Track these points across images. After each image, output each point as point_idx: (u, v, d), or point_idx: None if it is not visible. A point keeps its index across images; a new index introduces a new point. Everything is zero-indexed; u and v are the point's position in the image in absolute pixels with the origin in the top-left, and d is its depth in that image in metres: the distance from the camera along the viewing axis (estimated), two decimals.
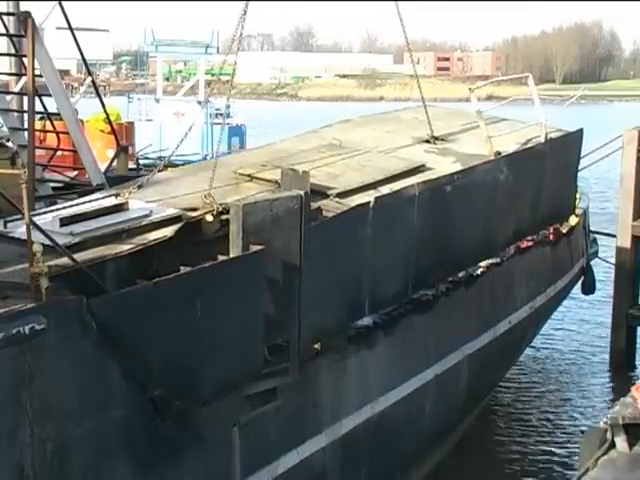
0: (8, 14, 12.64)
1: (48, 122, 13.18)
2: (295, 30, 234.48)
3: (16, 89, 15.75)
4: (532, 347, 17.71)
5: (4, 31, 12.66)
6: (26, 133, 11.87)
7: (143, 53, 47.57)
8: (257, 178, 10.37)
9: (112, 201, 9.26)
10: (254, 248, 7.86)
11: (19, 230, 8.01)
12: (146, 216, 8.79)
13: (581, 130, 13.88)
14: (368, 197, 10.11)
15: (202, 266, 7.51)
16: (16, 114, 13.13)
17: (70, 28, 11.99)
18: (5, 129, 13.12)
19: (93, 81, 14.16)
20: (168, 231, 8.65)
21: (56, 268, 7.16)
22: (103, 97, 13.49)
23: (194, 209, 9.25)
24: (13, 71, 14.97)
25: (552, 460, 13.91)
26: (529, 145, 12.80)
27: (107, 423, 6.88)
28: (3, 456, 6.18)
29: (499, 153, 12.01)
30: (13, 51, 12.89)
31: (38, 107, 12.07)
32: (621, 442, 9.34)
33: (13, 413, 6.21)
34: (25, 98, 12.24)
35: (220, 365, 7.78)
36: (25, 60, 11.89)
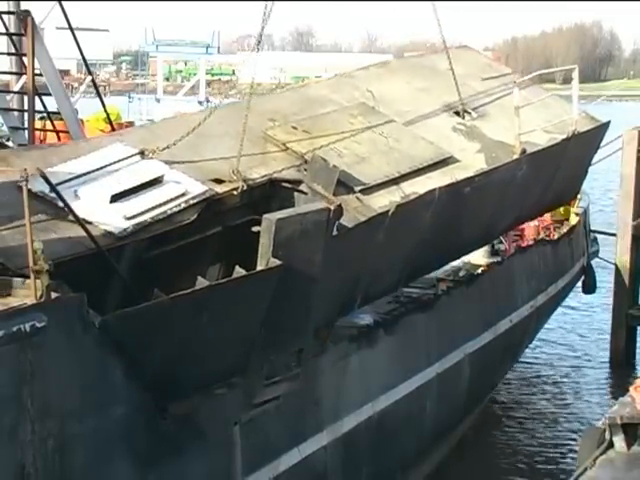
0: (8, 13, 12.62)
1: (48, 121, 13.18)
2: (295, 30, 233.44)
3: (16, 88, 15.72)
4: (532, 347, 17.70)
5: (4, 30, 12.66)
6: (26, 132, 11.89)
7: (143, 53, 47.45)
8: (286, 147, 10.19)
9: (144, 170, 8.92)
10: (272, 264, 7.80)
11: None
12: (182, 195, 8.67)
13: (608, 122, 13.80)
14: (390, 196, 10.12)
15: (217, 282, 7.54)
16: (16, 113, 13.14)
17: (70, 28, 12.00)
18: (5, 128, 13.15)
19: (93, 80, 14.15)
20: (191, 213, 8.62)
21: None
22: (103, 97, 13.48)
23: (220, 180, 9.08)
24: (13, 70, 14.95)
25: (551, 459, 13.90)
26: (553, 142, 12.60)
27: (108, 421, 6.87)
28: (4, 454, 6.17)
29: (524, 151, 11.85)
30: (13, 50, 12.89)
31: (38, 106, 12.07)
32: (619, 442, 9.35)
33: (14, 411, 6.20)
34: (25, 97, 12.26)
35: (225, 370, 7.80)
36: (25, 59, 11.91)
